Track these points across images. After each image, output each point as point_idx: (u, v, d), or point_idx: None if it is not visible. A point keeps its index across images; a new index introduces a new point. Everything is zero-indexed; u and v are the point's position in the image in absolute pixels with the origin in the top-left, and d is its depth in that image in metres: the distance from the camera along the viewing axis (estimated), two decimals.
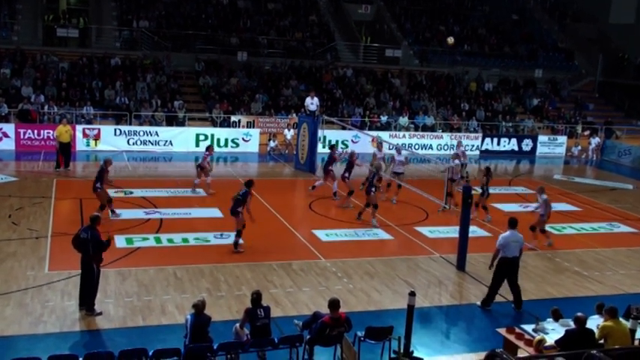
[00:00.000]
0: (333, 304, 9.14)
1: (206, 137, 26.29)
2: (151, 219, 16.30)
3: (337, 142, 27.08)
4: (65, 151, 21.53)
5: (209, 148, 19.66)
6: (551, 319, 9.85)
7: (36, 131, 24.38)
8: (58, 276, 12.11)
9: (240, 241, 14.25)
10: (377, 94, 32.04)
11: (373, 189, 16.80)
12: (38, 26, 31.40)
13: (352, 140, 27.95)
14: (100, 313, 10.66)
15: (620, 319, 9.15)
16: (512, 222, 12.05)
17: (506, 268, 11.79)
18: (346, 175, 18.88)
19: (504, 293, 12.62)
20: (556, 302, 11.76)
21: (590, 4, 42.44)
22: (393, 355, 9.46)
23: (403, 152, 20.09)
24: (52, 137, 22.83)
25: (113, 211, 16.27)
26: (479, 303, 12.05)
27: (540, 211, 15.62)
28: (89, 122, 25.86)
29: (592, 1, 42.24)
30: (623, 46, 39.51)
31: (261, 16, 35.24)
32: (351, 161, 19.04)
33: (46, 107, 25.64)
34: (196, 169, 19.47)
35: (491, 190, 21.49)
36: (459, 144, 22.81)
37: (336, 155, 20.18)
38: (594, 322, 9.25)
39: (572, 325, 9.03)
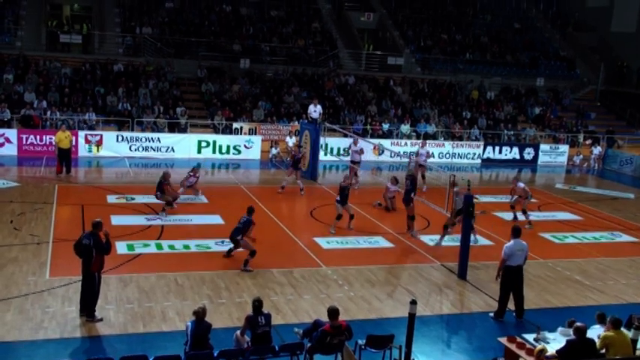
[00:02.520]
0: (333, 313, 9.13)
1: (208, 144, 26.35)
2: (153, 225, 16.31)
3: (335, 149, 27.19)
4: (66, 157, 21.53)
5: (194, 170, 19.18)
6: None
7: (38, 137, 24.42)
8: (59, 282, 12.11)
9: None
10: (379, 102, 32.09)
11: (412, 195, 16.19)
12: (41, 32, 31.52)
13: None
14: (101, 319, 10.66)
15: (622, 329, 9.13)
16: (516, 231, 12.01)
17: (512, 277, 11.76)
18: (338, 199, 16.96)
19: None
20: (557, 311, 11.78)
21: (591, 13, 42.53)
22: None
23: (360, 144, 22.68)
24: (53, 143, 22.85)
25: (164, 210, 17.24)
26: (492, 314, 12.00)
27: None
28: (91, 128, 25.90)
29: (593, 10, 42.34)
30: (624, 55, 39.56)
31: (263, 23, 35.35)
32: (343, 185, 17.01)
33: (48, 113, 25.69)
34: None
35: (493, 199, 21.58)
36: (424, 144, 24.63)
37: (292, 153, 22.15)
38: (595, 332, 9.23)
39: (572, 334, 9.01)
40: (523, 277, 11.93)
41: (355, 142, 22.85)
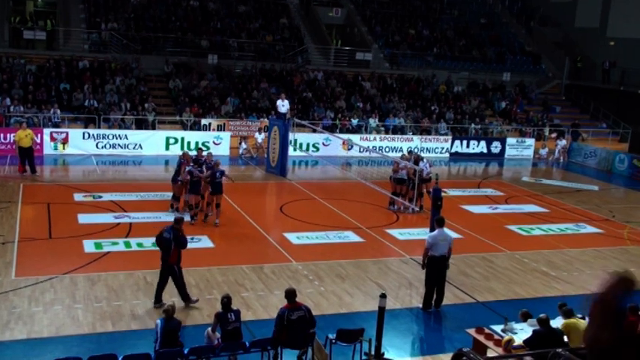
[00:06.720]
0: (290, 294, 9.36)
1: (176, 141, 26.13)
2: (121, 223, 16.14)
3: (304, 144, 27.19)
4: (28, 156, 21.06)
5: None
6: (521, 321, 9.97)
7: (2, 135, 23.96)
8: (25, 282, 11.93)
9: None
10: (347, 97, 32.17)
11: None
12: (4, 28, 30.86)
13: (323, 143, 28.01)
14: (197, 300, 11.43)
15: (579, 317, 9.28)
16: (441, 221, 12.19)
17: (435, 267, 11.85)
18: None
19: (474, 294, 12.81)
20: (524, 302, 11.96)
21: (556, 9, 43.18)
22: (364, 357, 9.51)
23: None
24: (13, 142, 22.43)
25: (172, 206, 17.27)
26: (421, 306, 12.10)
27: None
28: (57, 126, 25.48)
29: (558, 6, 43.00)
30: (588, 50, 40.25)
31: (231, 18, 35.14)
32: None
33: (12, 110, 25.19)
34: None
35: (460, 193, 21.84)
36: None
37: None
38: (559, 323, 9.40)
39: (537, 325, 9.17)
40: (446, 269, 12.05)
41: (404, 165, 19.12)
